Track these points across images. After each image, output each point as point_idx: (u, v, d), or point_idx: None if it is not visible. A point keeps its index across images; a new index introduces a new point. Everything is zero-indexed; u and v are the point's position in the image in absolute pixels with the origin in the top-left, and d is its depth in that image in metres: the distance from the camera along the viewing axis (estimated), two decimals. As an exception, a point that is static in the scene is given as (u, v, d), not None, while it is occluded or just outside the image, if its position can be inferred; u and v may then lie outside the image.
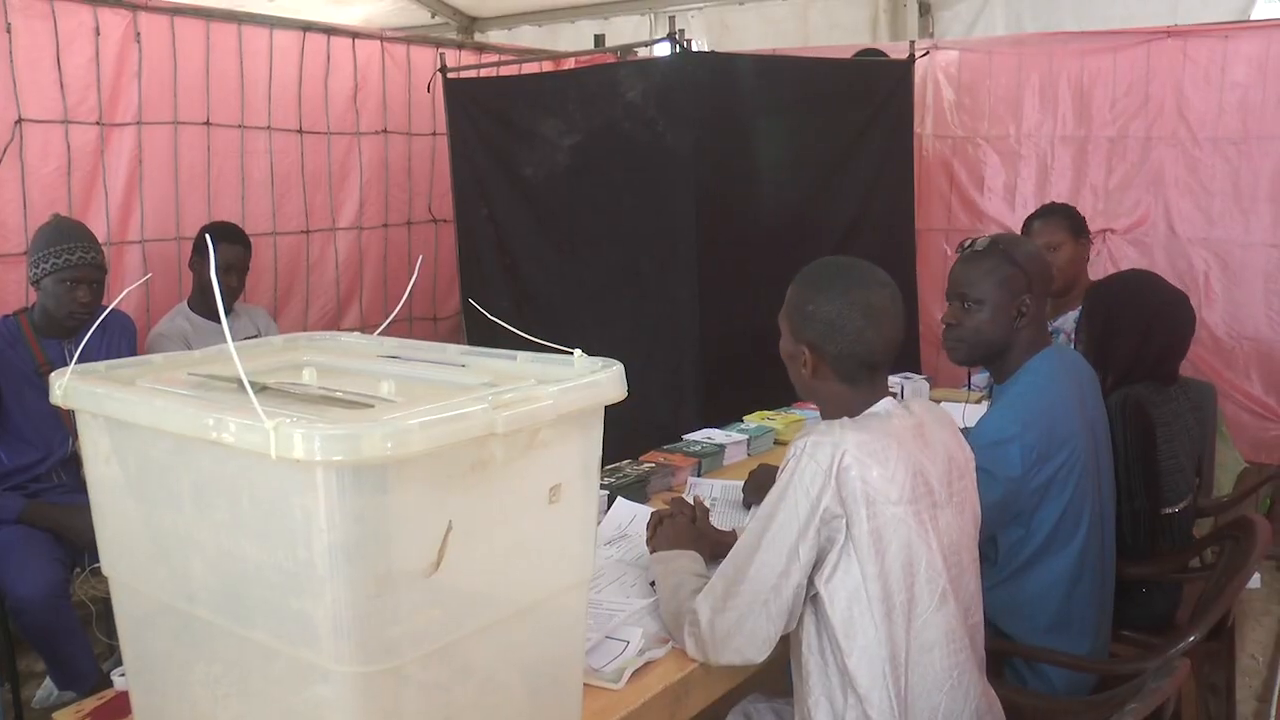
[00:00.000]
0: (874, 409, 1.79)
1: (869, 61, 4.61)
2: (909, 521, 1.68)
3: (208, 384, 1.43)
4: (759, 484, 2.51)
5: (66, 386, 1.41)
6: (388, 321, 1.70)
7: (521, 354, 1.53)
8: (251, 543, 1.29)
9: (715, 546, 2.12)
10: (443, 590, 1.28)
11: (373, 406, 1.30)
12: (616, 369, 1.42)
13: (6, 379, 3.09)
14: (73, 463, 3.19)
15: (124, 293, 1.66)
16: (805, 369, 1.83)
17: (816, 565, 1.68)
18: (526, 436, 1.30)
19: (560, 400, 1.31)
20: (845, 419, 1.75)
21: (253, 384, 1.25)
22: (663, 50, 4.09)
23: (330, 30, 4.47)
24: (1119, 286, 2.83)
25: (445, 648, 1.31)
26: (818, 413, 1.91)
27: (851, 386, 1.81)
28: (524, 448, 1.31)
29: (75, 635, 2.95)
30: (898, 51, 4.66)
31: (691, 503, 2.21)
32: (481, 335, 4.48)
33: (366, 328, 4.75)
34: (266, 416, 1.16)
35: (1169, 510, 2.63)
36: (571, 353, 1.48)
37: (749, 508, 2.53)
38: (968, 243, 2.42)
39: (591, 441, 1.44)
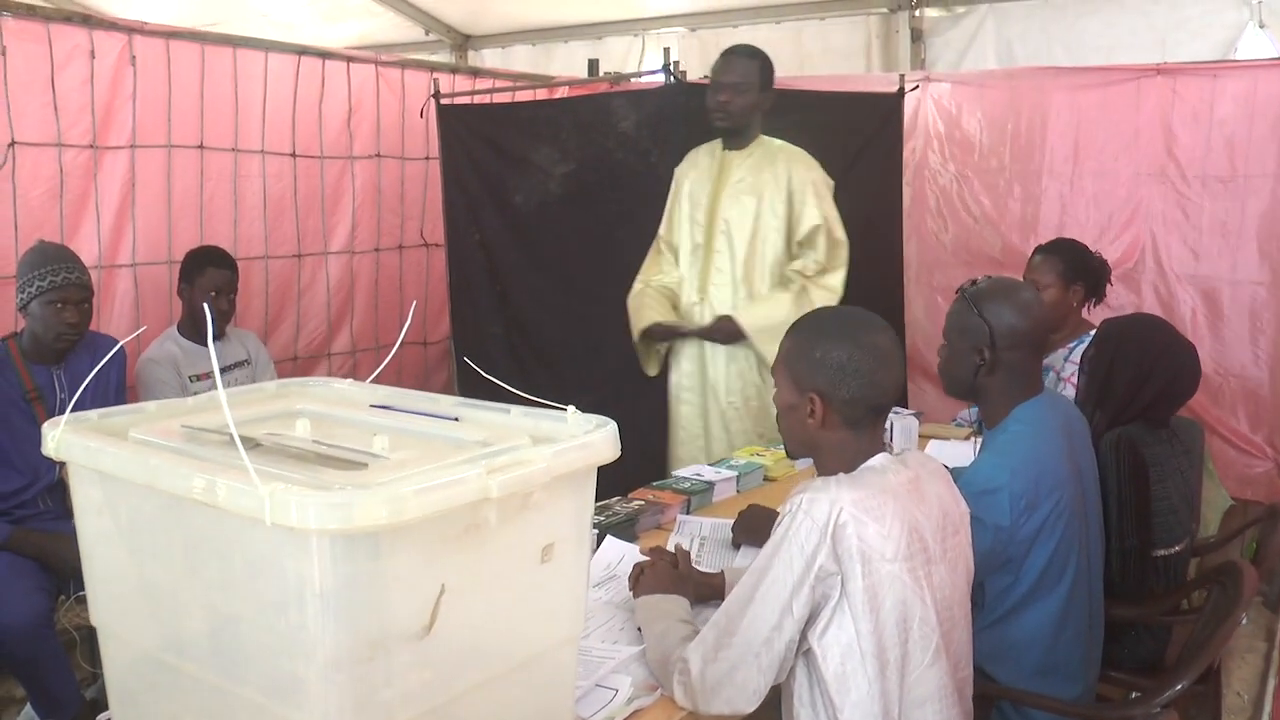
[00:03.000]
0: (870, 463, 1.80)
1: (859, 95, 4.63)
2: (903, 578, 1.68)
3: (200, 437, 1.43)
4: (748, 525, 2.51)
5: (59, 439, 1.41)
6: (379, 370, 1.70)
7: (515, 408, 1.53)
8: (243, 602, 1.29)
9: (700, 588, 2.14)
10: (435, 652, 1.28)
11: (366, 466, 1.30)
12: (610, 429, 1.42)
13: (-7, 404, 3.08)
14: (59, 489, 3.17)
15: (118, 345, 1.64)
16: (812, 418, 1.82)
17: (810, 620, 1.69)
18: (520, 499, 1.30)
19: (554, 463, 1.31)
20: (841, 475, 1.76)
21: (245, 439, 1.25)
22: (655, 79, 4.10)
23: (325, 54, 4.47)
24: (1129, 326, 2.86)
25: (437, 708, 1.31)
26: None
27: (855, 433, 1.82)
28: (517, 509, 1.31)
29: (58, 664, 2.93)
30: (888, 84, 4.68)
31: (673, 550, 2.22)
32: (474, 361, 4.48)
33: (357, 352, 4.76)
34: (260, 477, 1.16)
35: (1161, 552, 2.64)
36: (565, 409, 1.48)
37: (738, 547, 2.53)
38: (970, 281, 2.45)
39: (584, 501, 1.44)
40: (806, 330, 1.86)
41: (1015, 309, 2.38)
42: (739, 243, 3.53)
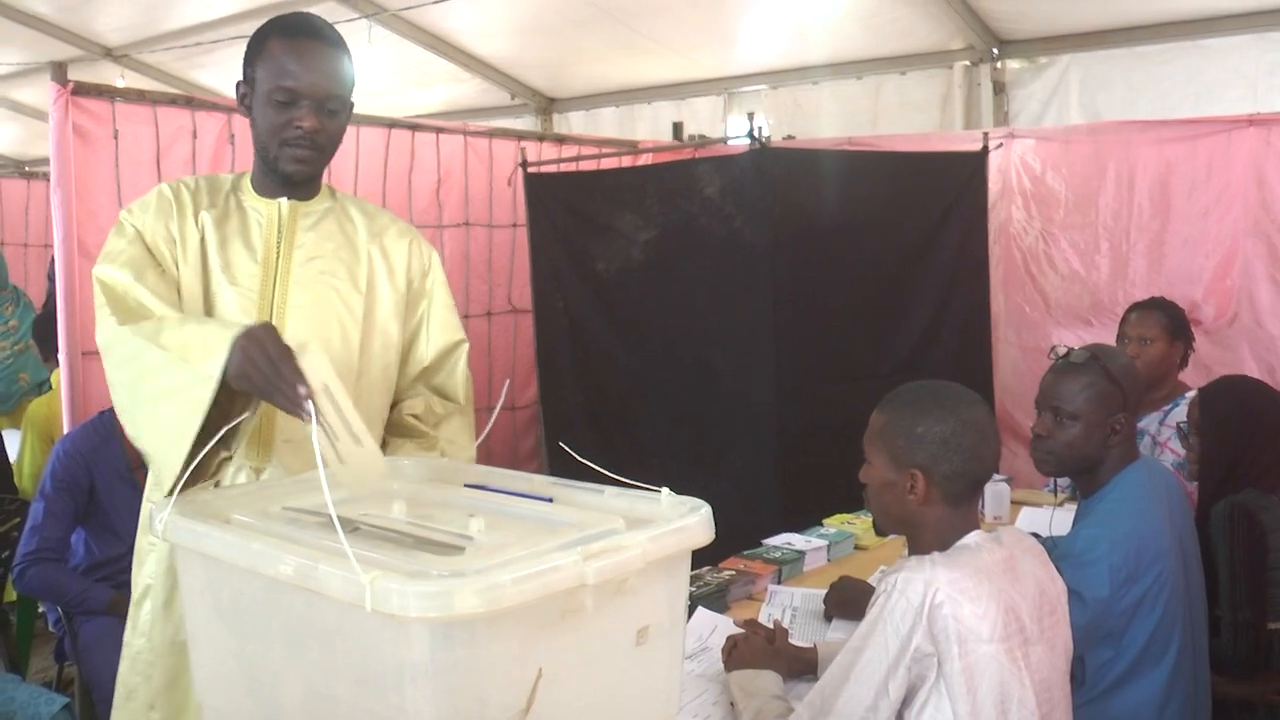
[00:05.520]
0: (964, 541, 1.77)
1: (942, 154, 4.61)
2: (1001, 660, 1.65)
3: (300, 520, 1.46)
4: (841, 598, 2.47)
5: (167, 521, 1.46)
6: (481, 437, 1.72)
7: (608, 489, 1.54)
8: (341, 685, 1.31)
9: (794, 663, 2.11)
10: (531, 735, 1.29)
11: (463, 550, 1.32)
12: (705, 512, 1.43)
13: (99, 474, 3.18)
14: (159, 555, 3.25)
15: (221, 431, 1.47)
16: (913, 494, 1.80)
17: (906, 701, 1.67)
18: (615, 584, 1.30)
19: (650, 548, 1.32)
20: (936, 554, 1.74)
21: (343, 521, 1.28)
22: (740, 143, 4.12)
23: (414, 126, 4.59)
24: (1227, 389, 2.80)
25: (533, 792, 1.31)
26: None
27: (954, 508, 1.81)
28: (613, 594, 1.31)
29: (157, 727, 2.99)
30: (971, 142, 4.65)
31: (767, 624, 2.20)
32: (558, 427, 4.51)
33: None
34: (360, 563, 1.19)
35: (1277, 625, 2.54)
36: (659, 490, 1.49)
37: (830, 620, 2.50)
38: (1063, 351, 2.40)
39: (679, 583, 1.45)
40: (903, 405, 1.84)
41: (1134, 371, 2.36)
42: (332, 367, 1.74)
